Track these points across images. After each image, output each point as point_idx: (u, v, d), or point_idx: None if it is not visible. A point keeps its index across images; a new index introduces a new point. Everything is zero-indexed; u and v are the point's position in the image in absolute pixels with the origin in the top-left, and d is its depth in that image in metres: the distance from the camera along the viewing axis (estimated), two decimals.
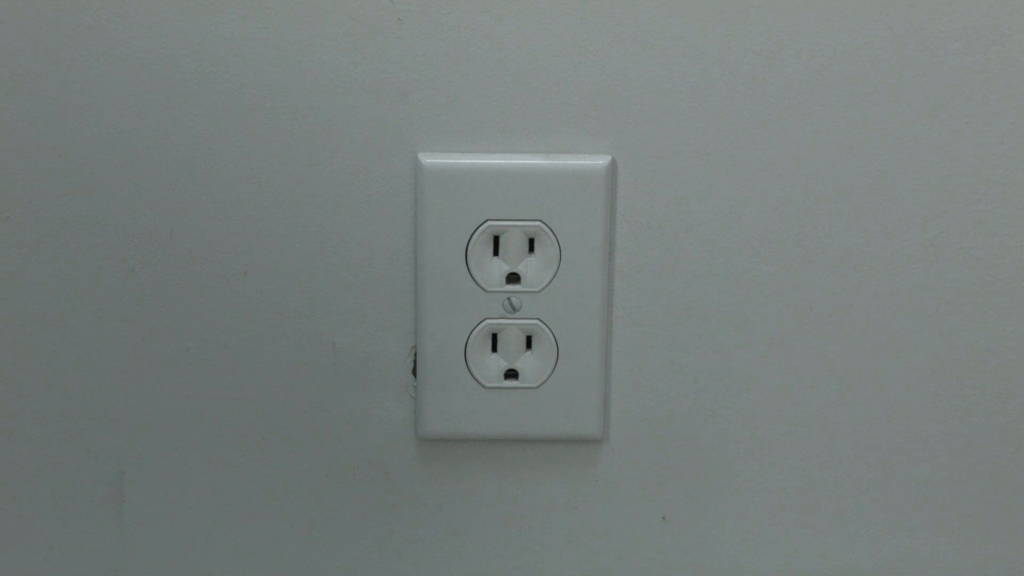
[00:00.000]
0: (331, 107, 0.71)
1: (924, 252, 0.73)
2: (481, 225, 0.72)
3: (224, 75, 0.71)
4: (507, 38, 0.70)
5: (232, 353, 0.75)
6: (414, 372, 0.75)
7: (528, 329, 0.74)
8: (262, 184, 0.72)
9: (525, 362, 0.74)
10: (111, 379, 0.75)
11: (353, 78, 0.71)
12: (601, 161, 0.71)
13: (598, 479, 0.77)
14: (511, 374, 0.75)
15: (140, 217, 0.73)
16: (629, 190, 0.72)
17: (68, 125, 0.71)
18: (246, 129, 0.71)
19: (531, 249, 0.72)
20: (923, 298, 0.74)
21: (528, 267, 0.73)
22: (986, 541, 0.78)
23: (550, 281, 0.73)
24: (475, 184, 0.71)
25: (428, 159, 0.71)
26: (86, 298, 0.74)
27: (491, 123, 0.71)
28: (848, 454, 0.76)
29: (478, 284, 0.72)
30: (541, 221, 0.72)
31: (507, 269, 0.73)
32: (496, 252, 0.73)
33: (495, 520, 0.78)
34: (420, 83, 0.71)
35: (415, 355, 0.75)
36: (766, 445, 0.76)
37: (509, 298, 0.73)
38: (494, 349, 0.74)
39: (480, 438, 0.76)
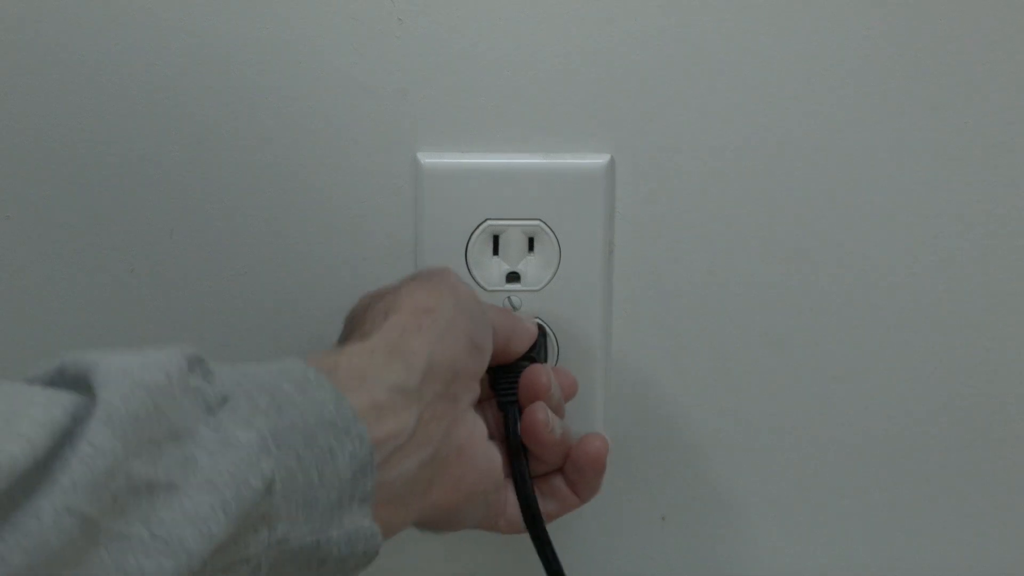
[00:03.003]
0: (331, 107, 0.71)
1: (924, 252, 0.73)
2: (481, 224, 0.72)
3: (224, 75, 0.71)
4: (507, 38, 0.70)
5: (232, 353, 0.75)
6: None
7: None
8: (262, 184, 0.72)
9: None
10: None
11: (353, 78, 0.71)
12: (600, 160, 0.71)
13: None
14: None
15: (140, 217, 0.73)
16: (629, 190, 0.72)
17: (68, 125, 0.71)
18: (246, 129, 0.71)
19: (531, 248, 0.72)
20: (923, 298, 0.74)
21: (528, 266, 0.73)
22: (986, 541, 0.78)
23: (550, 280, 0.72)
24: (475, 184, 0.71)
25: (428, 159, 0.71)
26: (86, 298, 0.74)
27: (491, 123, 0.71)
28: (848, 454, 0.76)
29: (478, 283, 0.72)
30: (541, 220, 0.72)
31: (507, 268, 0.72)
32: (496, 251, 0.72)
33: None
34: (420, 83, 0.71)
35: None
36: (766, 445, 0.76)
37: (509, 297, 0.73)
38: None
39: None
